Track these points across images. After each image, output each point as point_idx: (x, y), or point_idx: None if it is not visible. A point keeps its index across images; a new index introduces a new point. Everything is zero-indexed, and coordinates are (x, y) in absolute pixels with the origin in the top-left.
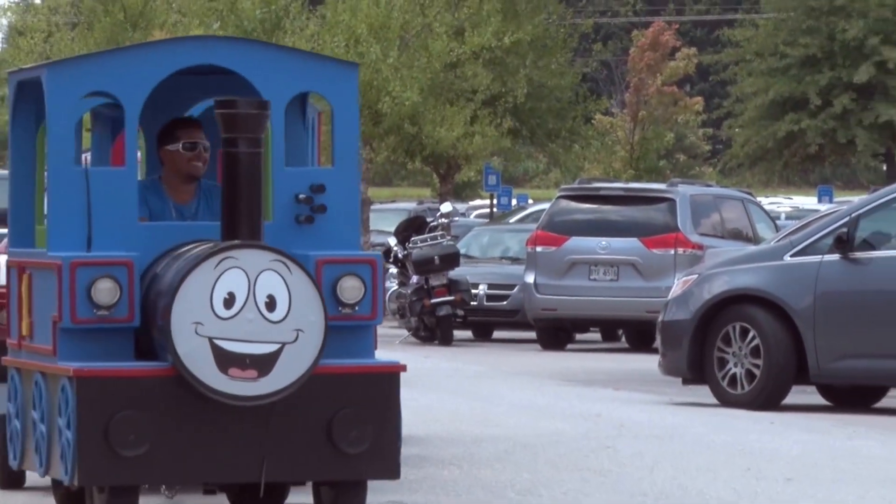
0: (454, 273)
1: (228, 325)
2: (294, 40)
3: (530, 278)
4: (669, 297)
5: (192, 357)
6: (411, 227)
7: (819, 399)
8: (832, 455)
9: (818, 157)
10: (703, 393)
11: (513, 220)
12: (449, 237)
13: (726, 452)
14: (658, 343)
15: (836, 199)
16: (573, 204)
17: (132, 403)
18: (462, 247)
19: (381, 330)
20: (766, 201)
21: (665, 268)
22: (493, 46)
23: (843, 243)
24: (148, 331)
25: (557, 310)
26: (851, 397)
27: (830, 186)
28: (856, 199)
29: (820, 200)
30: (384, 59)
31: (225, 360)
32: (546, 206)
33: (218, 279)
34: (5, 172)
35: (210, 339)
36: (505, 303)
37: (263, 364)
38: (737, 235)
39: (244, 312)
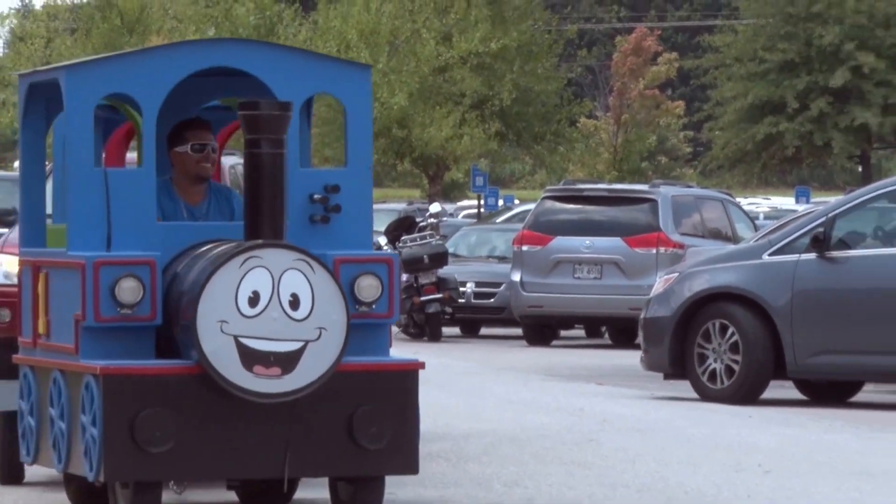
0: (443, 271)
1: (253, 324)
2: None
3: (516, 276)
4: (651, 294)
5: (217, 355)
6: (401, 227)
7: (796, 394)
8: (809, 448)
9: (795, 158)
10: (684, 388)
11: (499, 220)
12: (438, 237)
13: (706, 446)
14: (640, 339)
15: (812, 200)
16: (558, 204)
17: (157, 401)
18: (450, 246)
19: None
20: (745, 202)
21: (647, 266)
22: (480, 52)
23: (820, 243)
24: (169, 329)
25: (543, 307)
26: (828, 392)
27: (807, 187)
28: (832, 199)
29: (797, 201)
30: (374, 64)
31: (250, 357)
32: (532, 206)
33: (243, 278)
34: (5, 174)
35: (235, 338)
36: (492, 300)
37: (287, 362)
38: (717, 235)
39: (268, 311)
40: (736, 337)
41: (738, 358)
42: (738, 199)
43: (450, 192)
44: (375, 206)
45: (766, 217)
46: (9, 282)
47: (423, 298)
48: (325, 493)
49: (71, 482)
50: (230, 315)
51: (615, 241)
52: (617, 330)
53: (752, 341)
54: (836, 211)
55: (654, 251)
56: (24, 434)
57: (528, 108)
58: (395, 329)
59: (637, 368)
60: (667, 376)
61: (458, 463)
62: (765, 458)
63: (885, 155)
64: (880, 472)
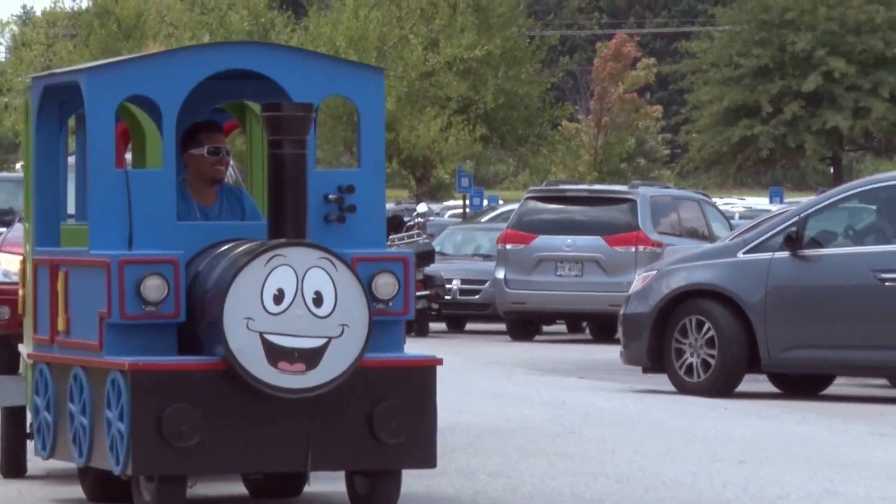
0: (429, 269)
1: (278, 321)
2: None
3: (500, 274)
4: (630, 291)
5: (243, 351)
6: (389, 226)
7: (770, 387)
8: (782, 439)
9: (769, 160)
10: (662, 381)
11: (484, 219)
12: (425, 236)
13: (683, 437)
14: (620, 335)
15: (786, 200)
16: (540, 204)
17: (184, 396)
18: (437, 244)
19: None
20: (721, 202)
21: (626, 264)
22: (466, 58)
23: (793, 241)
24: (191, 326)
25: (526, 303)
26: (800, 385)
27: (781, 188)
28: (804, 200)
29: (771, 201)
30: None
31: (275, 353)
32: (515, 206)
33: (268, 276)
34: (5, 175)
35: (261, 334)
36: (477, 297)
37: (311, 358)
38: (693, 234)
39: (293, 308)
40: (712, 332)
41: (714, 352)
42: (714, 200)
43: (436, 193)
44: None
45: (741, 217)
46: (8, 280)
47: None
48: (332, 486)
49: (86, 475)
50: (256, 312)
51: (596, 240)
52: (597, 325)
53: (728, 336)
54: (809, 211)
55: (634, 249)
56: (39, 429)
57: (512, 111)
58: None
59: (617, 363)
60: (645, 370)
61: (443, 454)
62: (739, 449)
63: (855, 157)
64: (851, 462)
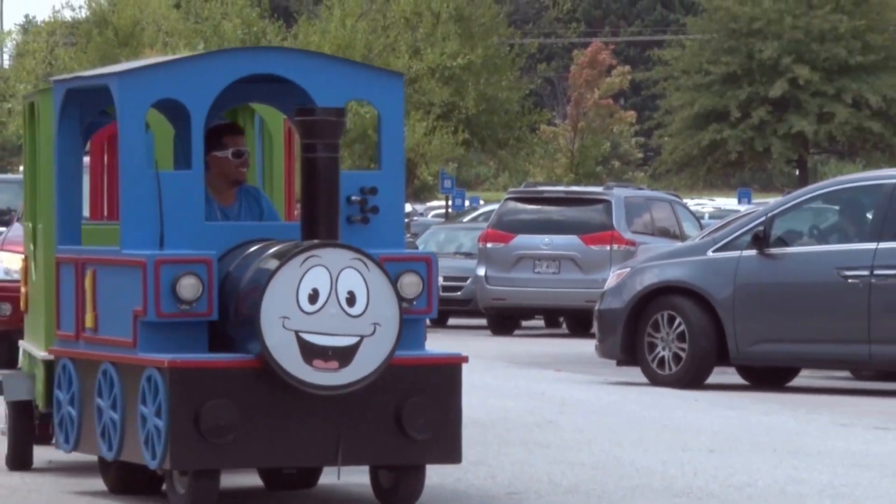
0: None
1: (313, 320)
2: None
3: (481, 271)
4: (605, 288)
5: (279, 349)
6: None
7: (738, 379)
8: (750, 429)
9: (738, 163)
10: (635, 374)
11: (466, 219)
12: (409, 235)
13: (655, 427)
14: (595, 329)
15: (754, 201)
16: (520, 205)
17: (220, 392)
18: (420, 243)
19: None
20: (692, 202)
21: (601, 262)
22: (449, 65)
23: (760, 240)
24: (222, 324)
25: (506, 299)
26: (767, 377)
27: (749, 189)
28: (771, 200)
29: (740, 202)
30: None
31: (309, 352)
32: (495, 207)
33: (303, 276)
34: (6, 176)
35: (296, 333)
36: (459, 293)
37: (344, 356)
38: (665, 233)
39: (327, 307)
40: (683, 327)
41: (685, 346)
42: (685, 200)
43: (420, 194)
44: None
45: (711, 217)
46: (9, 278)
47: None
48: (345, 479)
49: (108, 469)
50: (291, 311)
51: (572, 239)
52: (574, 321)
53: (698, 331)
54: (775, 211)
55: (608, 248)
56: (61, 423)
57: (493, 116)
58: None
59: (592, 356)
60: (619, 363)
61: None
62: (709, 438)
63: (820, 160)
64: (815, 451)
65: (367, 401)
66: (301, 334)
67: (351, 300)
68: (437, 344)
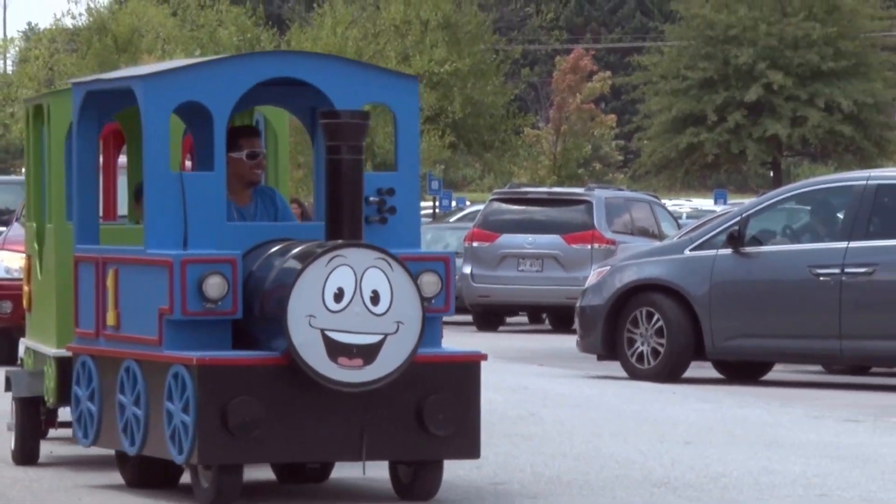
0: None
1: (338, 318)
2: None
3: (467, 269)
4: (586, 285)
5: (305, 347)
6: None
7: (714, 373)
8: (725, 422)
9: (714, 165)
10: (615, 368)
11: (452, 219)
12: None
13: (635, 419)
14: (577, 325)
15: (729, 202)
16: (504, 206)
17: (247, 389)
18: None
19: None
20: (670, 203)
21: (583, 260)
22: (436, 72)
23: (735, 240)
24: (245, 322)
25: (491, 297)
26: (742, 372)
27: (725, 190)
28: (746, 201)
29: (716, 202)
30: None
31: (335, 349)
32: (481, 207)
33: (329, 275)
34: (6, 177)
35: (322, 331)
36: None
37: (369, 353)
38: (644, 233)
39: (352, 306)
40: (661, 323)
41: (663, 341)
42: (663, 201)
43: None
44: None
45: (688, 217)
46: (10, 276)
47: None
48: (349, 473)
49: (126, 463)
50: (317, 310)
51: (555, 238)
52: (556, 317)
53: (675, 327)
54: (750, 211)
55: (589, 247)
56: (80, 419)
57: (479, 120)
58: None
59: (574, 351)
60: (600, 358)
61: None
62: (686, 430)
63: (793, 162)
64: (788, 443)
65: (390, 397)
66: (327, 332)
67: (375, 299)
68: None
